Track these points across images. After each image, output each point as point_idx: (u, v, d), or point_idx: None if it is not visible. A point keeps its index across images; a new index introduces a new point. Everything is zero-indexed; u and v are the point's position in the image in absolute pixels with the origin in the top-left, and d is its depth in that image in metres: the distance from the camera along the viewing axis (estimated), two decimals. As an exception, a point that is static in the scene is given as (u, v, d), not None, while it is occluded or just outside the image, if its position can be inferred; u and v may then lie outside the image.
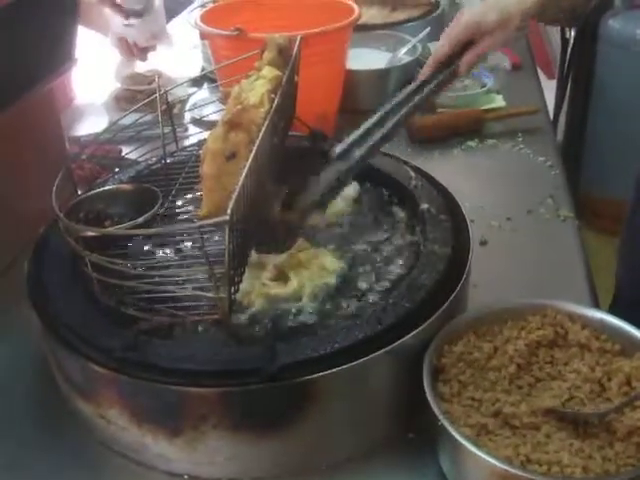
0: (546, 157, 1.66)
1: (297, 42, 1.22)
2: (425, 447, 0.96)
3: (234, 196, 0.86)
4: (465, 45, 1.30)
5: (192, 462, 0.96)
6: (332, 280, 1.09)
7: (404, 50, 1.97)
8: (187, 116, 1.85)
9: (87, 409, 1.00)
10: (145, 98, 1.28)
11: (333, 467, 0.97)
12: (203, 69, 2.10)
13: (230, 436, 0.92)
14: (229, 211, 0.83)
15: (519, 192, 1.55)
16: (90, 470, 1.01)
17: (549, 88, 2.12)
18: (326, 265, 1.11)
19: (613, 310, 1.26)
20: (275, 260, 1.11)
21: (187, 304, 0.99)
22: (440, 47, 1.31)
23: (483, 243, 1.36)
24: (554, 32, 2.44)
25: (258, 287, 1.06)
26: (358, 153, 1.19)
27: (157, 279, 1.02)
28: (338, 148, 1.20)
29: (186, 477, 0.97)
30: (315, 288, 1.07)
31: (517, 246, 1.37)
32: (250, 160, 0.93)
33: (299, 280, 1.07)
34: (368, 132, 1.21)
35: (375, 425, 1.00)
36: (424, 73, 1.30)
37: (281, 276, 1.08)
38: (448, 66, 1.31)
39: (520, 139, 1.74)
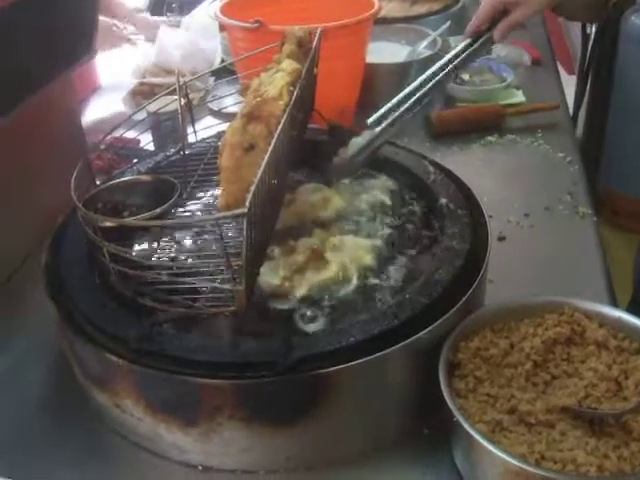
0: (565, 153, 1.65)
1: (317, 35, 1.21)
2: (439, 443, 0.96)
3: (252, 188, 0.86)
4: (501, 14, 1.43)
5: (206, 453, 0.96)
6: (370, 259, 1.10)
7: (424, 44, 1.95)
8: (206, 108, 1.84)
9: (103, 399, 1.01)
10: (164, 92, 1.28)
11: (347, 461, 0.97)
12: (222, 61, 2.10)
13: (245, 428, 0.92)
14: (247, 203, 0.83)
15: (538, 188, 1.54)
16: (104, 459, 1.01)
17: (569, 84, 2.11)
18: (362, 244, 1.12)
19: (631, 309, 1.25)
20: (305, 244, 1.11)
21: (204, 296, 0.99)
22: (477, 16, 1.45)
23: (501, 239, 1.35)
24: (575, 28, 2.43)
25: (298, 273, 1.07)
26: (392, 116, 1.28)
27: (174, 270, 1.02)
28: (372, 117, 1.28)
29: (200, 468, 0.98)
30: (359, 269, 1.08)
31: (535, 242, 1.37)
32: (269, 153, 0.92)
33: (340, 261, 1.08)
34: (403, 100, 1.31)
35: (390, 420, 1.00)
36: (465, 37, 1.46)
37: (317, 258, 1.09)
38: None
39: (539, 135, 1.73)
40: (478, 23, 1.46)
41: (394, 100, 1.30)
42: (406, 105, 1.30)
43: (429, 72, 1.36)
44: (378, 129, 1.27)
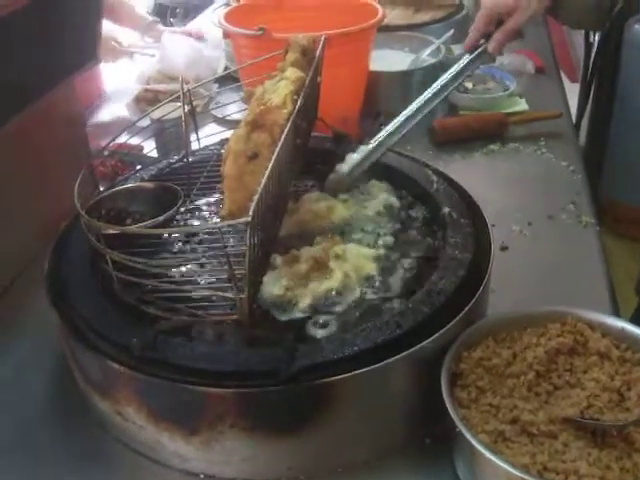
0: (569, 162, 1.65)
1: (321, 43, 1.21)
2: (442, 452, 0.96)
3: (256, 197, 0.86)
4: (498, 25, 1.44)
5: (208, 461, 0.96)
6: (373, 268, 1.10)
7: (427, 52, 1.95)
8: (210, 115, 1.85)
9: (104, 406, 1.01)
10: (167, 98, 1.28)
11: (349, 470, 0.97)
12: (226, 68, 2.11)
13: (247, 437, 0.92)
14: (251, 212, 0.83)
15: (540, 197, 1.54)
16: (106, 467, 1.01)
17: (572, 92, 2.11)
18: (365, 253, 1.12)
19: (635, 319, 1.25)
20: (308, 253, 1.11)
21: (207, 304, 0.99)
22: (473, 29, 1.46)
23: (504, 248, 1.35)
24: (578, 36, 2.43)
25: (301, 283, 1.07)
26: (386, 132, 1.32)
27: (177, 278, 1.02)
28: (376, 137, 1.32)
29: (202, 476, 0.98)
30: (362, 279, 1.08)
31: (538, 251, 1.36)
32: (272, 162, 0.92)
33: (343, 271, 1.07)
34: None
35: (392, 429, 0.99)
36: (464, 49, 1.47)
37: (321, 267, 1.08)
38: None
39: (542, 143, 1.73)
40: (477, 36, 1.46)
41: (396, 121, 1.33)
42: (401, 120, 1.33)
43: (434, 86, 1.38)
44: (372, 145, 1.28)
